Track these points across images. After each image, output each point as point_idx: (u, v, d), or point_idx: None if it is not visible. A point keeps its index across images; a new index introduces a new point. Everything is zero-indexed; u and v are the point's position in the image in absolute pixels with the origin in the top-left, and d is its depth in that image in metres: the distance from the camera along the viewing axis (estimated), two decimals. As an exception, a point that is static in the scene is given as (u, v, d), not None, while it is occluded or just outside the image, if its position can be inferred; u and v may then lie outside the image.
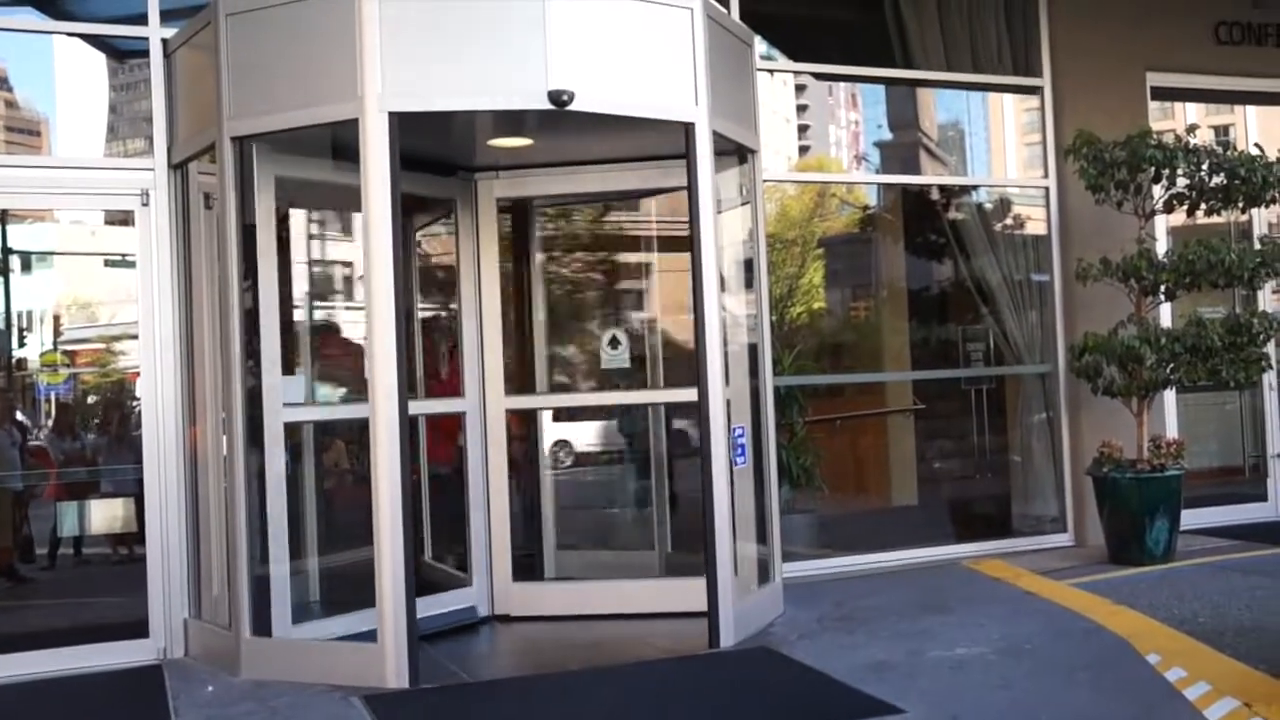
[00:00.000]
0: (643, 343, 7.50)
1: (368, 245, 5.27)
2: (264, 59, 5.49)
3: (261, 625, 5.53)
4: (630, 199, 7.54)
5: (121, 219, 6.18)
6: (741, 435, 6.06)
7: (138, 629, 5.90)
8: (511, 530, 6.68)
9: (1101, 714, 4.55)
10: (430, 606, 6.17)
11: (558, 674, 5.46)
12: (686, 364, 6.30)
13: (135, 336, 6.07)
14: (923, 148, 8.80)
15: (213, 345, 5.95)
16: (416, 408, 6.27)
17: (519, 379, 7.13)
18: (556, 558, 7.14)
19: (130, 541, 6.22)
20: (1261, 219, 8.81)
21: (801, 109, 8.65)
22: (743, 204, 6.56)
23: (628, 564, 7.20)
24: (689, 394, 5.91)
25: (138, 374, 6.08)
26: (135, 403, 6.11)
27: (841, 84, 8.63)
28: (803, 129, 8.69)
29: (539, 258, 7.38)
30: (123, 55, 6.49)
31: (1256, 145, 7.60)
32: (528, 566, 6.91)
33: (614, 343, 6.92)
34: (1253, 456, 9.12)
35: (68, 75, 6.43)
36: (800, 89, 8.58)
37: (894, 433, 8.71)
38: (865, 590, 6.84)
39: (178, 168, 6.09)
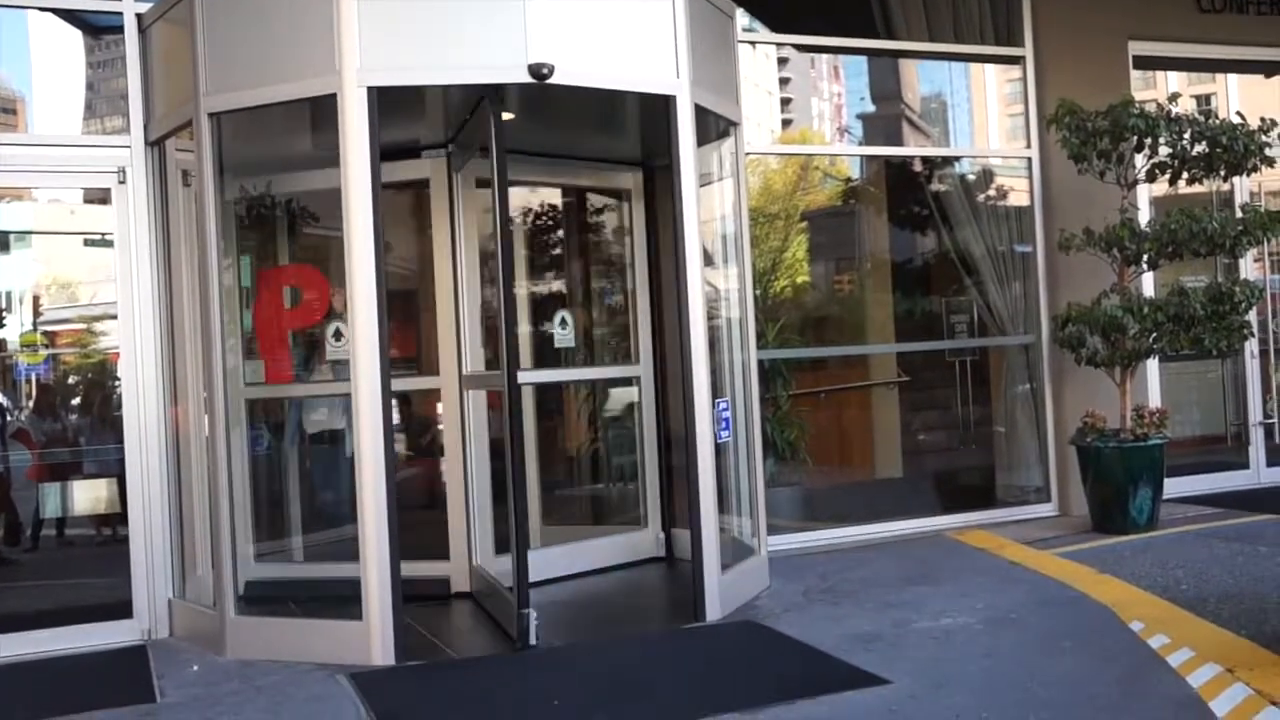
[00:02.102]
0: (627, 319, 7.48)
1: (348, 224, 5.23)
2: (240, 33, 5.44)
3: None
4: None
5: (100, 197, 6.12)
6: (725, 409, 6.06)
7: (122, 610, 5.89)
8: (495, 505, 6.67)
9: (1085, 681, 4.58)
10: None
11: (543, 649, 5.46)
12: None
13: (115, 316, 6.03)
14: (905, 120, 8.78)
15: (193, 324, 5.91)
16: (400, 385, 6.26)
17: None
18: (542, 534, 7.15)
19: (114, 522, 6.19)
20: (1243, 187, 8.82)
21: (784, 82, 8.59)
22: (722, 179, 6.53)
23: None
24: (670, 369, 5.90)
25: (119, 354, 6.04)
26: (116, 383, 6.07)
27: (824, 56, 8.58)
28: (785, 102, 8.64)
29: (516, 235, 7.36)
30: (98, 31, 6.41)
31: (1238, 114, 7.60)
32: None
33: (562, 323, 6.96)
34: (1235, 424, 9.16)
35: (44, 52, 6.35)
36: (783, 62, 8.53)
37: (878, 405, 8.71)
38: (850, 562, 6.86)
39: (155, 145, 6.04)
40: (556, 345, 7.19)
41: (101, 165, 6.01)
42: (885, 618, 5.60)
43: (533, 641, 5.37)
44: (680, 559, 6.89)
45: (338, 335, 6.26)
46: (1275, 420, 9.00)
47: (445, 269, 6.63)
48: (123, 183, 6.00)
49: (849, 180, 8.91)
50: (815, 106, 8.78)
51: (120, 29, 6.06)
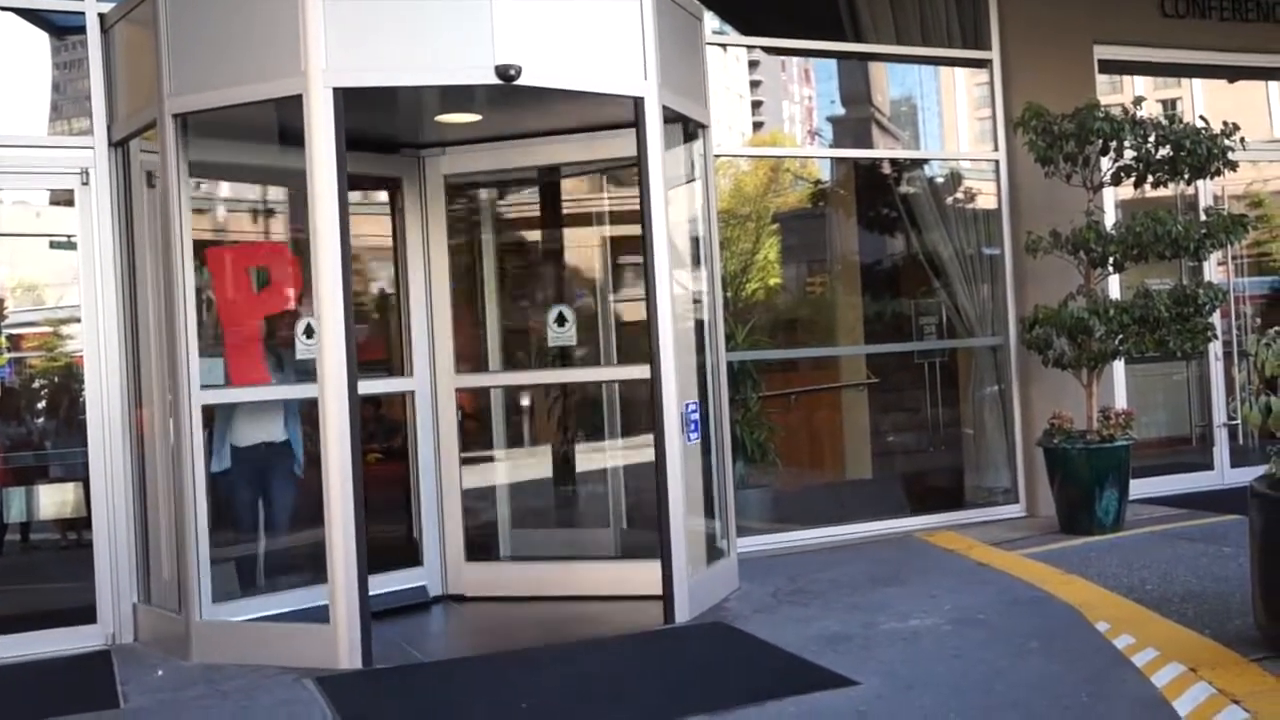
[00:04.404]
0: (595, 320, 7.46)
1: (314, 225, 5.20)
2: (205, 33, 5.40)
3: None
4: (581, 173, 7.47)
5: (66, 199, 6.06)
6: (694, 411, 6.06)
7: (86, 615, 5.83)
8: (464, 509, 6.65)
9: (1051, 681, 4.60)
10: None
11: (512, 653, 5.45)
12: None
13: (80, 319, 5.97)
14: (875, 123, 8.81)
15: (158, 327, 5.86)
16: (366, 387, 6.18)
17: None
18: (511, 537, 7.12)
19: (79, 527, 6.12)
20: (1207, 191, 8.90)
21: (755, 85, 8.61)
22: (690, 181, 6.53)
23: (583, 541, 7.19)
24: (641, 371, 5.90)
25: (83, 357, 5.98)
26: (82, 387, 6.00)
27: (794, 60, 8.61)
28: (756, 105, 8.66)
29: (488, 235, 7.33)
30: (61, 31, 6.34)
31: (1201, 117, 7.67)
32: (482, 546, 6.88)
33: (560, 320, 6.88)
34: (1199, 426, 9.25)
35: (6, 52, 6.27)
36: (753, 65, 8.55)
37: (848, 407, 8.74)
38: (820, 564, 6.88)
39: (118, 146, 5.98)
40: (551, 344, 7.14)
41: (64, 166, 5.96)
42: (854, 619, 5.61)
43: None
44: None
45: (309, 332, 6.12)
46: (1238, 421, 9.08)
47: (419, 268, 6.59)
48: (86, 184, 5.95)
49: (819, 182, 8.94)
50: (786, 109, 8.81)
51: (83, 29, 6.00)
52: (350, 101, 5.21)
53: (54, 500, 6.20)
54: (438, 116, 6.21)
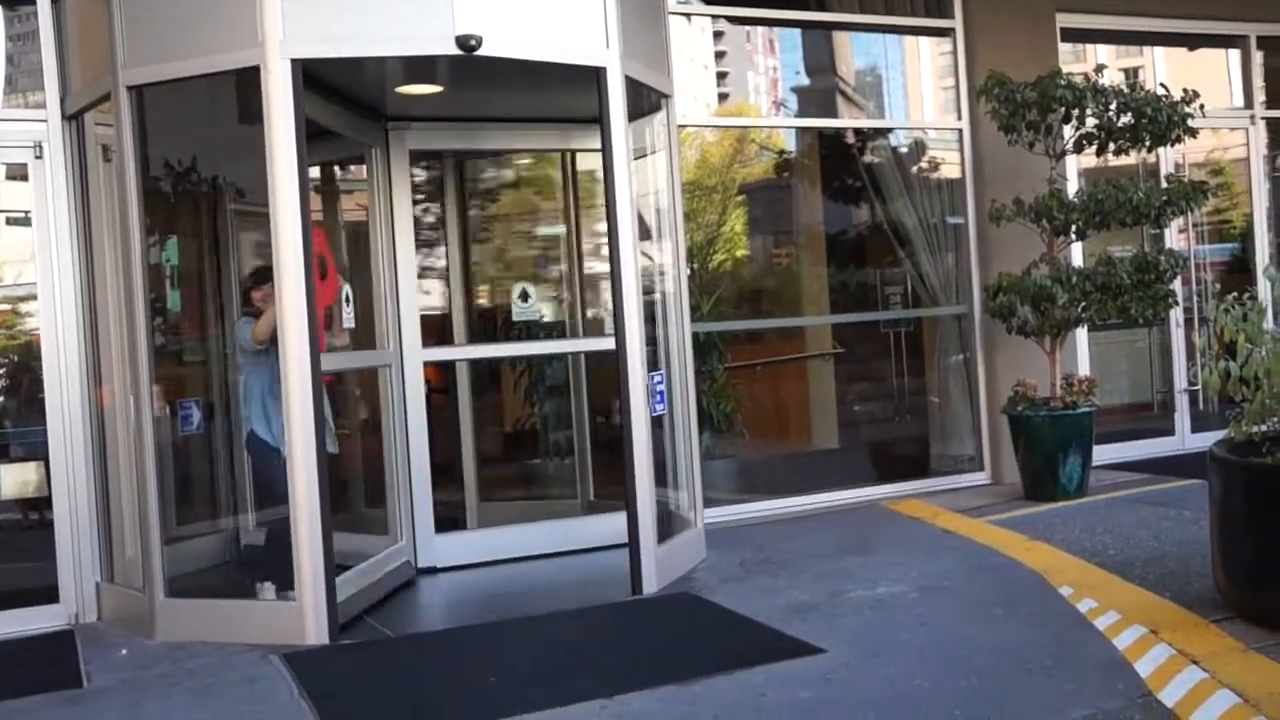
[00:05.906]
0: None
1: (273, 198, 5.14)
2: (159, 3, 5.32)
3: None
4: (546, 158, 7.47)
5: (22, 174, 5.95)
6: (660, 382, 6.05)
7: (48, 594, 5.77)
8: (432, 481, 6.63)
9: (1016, 646, 4.64)
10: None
11: (480, 626, 5.45)
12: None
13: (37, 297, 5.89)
14: (840, 93, 8.79)
15: (116, 304, 5.78)
16: (333, 362, 6.11)
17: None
18: (479, 510, 7.12)
19: (40, 506, 6.05)
20: (1168, 158, 8.95)
21: (720, 55, 8.58)
22: (654, 152, 6.51)
23: (550, 513, 7.20)
24: (607, 343, 5.88)
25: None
26: (41, 364, 5.92)
27: (759, 29, 8.57)
28: (721, 75, 8.63)
29: (454, 212, 7.29)
30: (13, 2, 6.21)
31: (1162, 85, 7.70)
32: (450, 517, 6.87)
33: (524, 296, 6.86)
34: (1161, 392, 9.34)
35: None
36: (719, 35, 8.51)
37: (814, 377, 8.76)
38: (787, 533, 6.91)
39: (73, 119, 5.88)
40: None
41: (17, 140, 5.84)
42: (821, 588, 5.64)
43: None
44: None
45: (347, 299, 6.04)
46: (1199, 387, 9.17)
47: (386, 241, 6.54)
48: (39, 158, 5.84)
49: (784, 153, 8.92)
50: (751, 80, 8.78)
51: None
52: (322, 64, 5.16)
53: (14, 480, 6.12)
54: (399, 88, 6.14)
